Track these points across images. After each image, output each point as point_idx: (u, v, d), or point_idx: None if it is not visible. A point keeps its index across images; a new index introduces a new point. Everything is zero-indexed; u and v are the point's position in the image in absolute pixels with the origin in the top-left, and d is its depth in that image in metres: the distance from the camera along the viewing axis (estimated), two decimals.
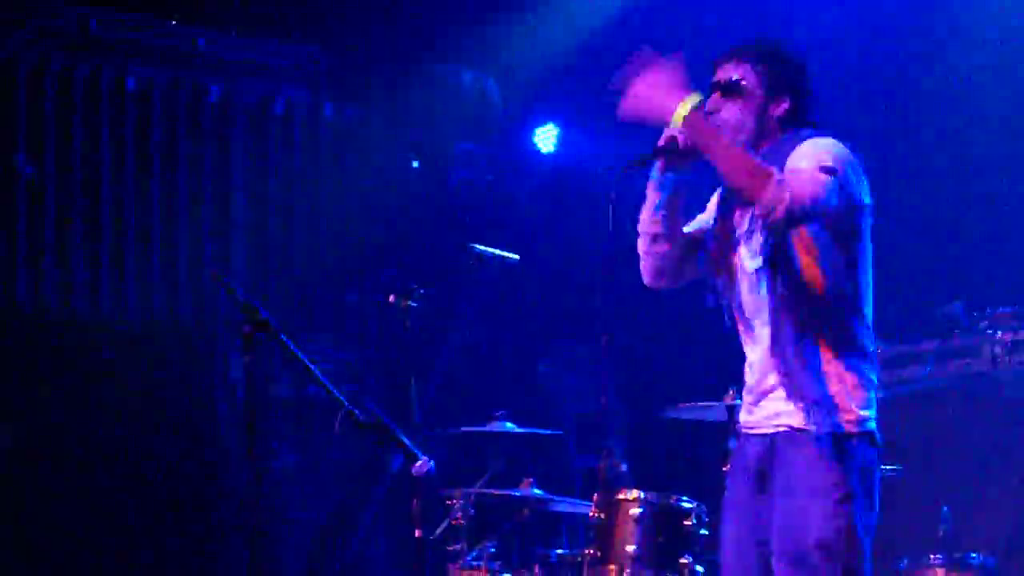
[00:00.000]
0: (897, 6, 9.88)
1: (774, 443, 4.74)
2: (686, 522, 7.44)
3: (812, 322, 4.69)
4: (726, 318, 5.02)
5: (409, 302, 7.89)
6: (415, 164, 10.94)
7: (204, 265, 9.81)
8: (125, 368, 9.27)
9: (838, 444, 4.64)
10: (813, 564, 4.56)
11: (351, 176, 10.56)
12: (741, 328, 4.96)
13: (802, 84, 4.88)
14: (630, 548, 7.36)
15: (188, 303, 9.83)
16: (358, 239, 10.52)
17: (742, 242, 4.86)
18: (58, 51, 9.52)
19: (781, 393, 4.74)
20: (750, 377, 4.90)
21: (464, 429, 8.49)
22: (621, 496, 7.51)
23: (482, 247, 8.07)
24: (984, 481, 7.73)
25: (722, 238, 4.94)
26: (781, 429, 4.73)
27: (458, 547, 7.70)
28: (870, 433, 4.72)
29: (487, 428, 8.20)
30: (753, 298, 4.83)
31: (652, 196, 4.96)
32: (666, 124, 4.77)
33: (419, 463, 5.36)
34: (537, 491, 7.98)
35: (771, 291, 4.74)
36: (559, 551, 8.09)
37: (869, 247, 4.80)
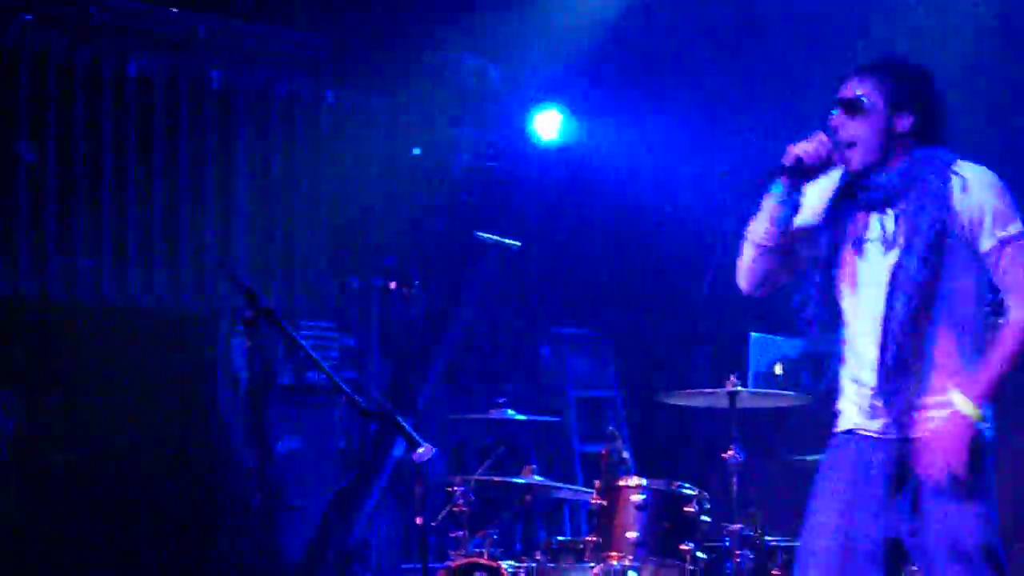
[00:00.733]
0: None
1: (913, 445, 4.75)
2: (687, 509, 7.44)
3: (963, 335, 4.78)
4: (811, 324, 5.09)
5: (411, 289, 7.89)
6: (417, 151, 10.93)
7: (206, 251, 9.80)
8: (127, 354, 9.26)
9: (979, 446, 4.71)
10: (978, 563, 4.67)
11: (353, 162, 10.56)
12: (854, 329, 4.95)
13: (928, 99, 4.88)
14: (632, 535, 7.37)
15: (190, 289, 9.81)
16: (360, 225, 10.52)
17: (871, 246, 4.86)
18: (60, 38, 9.51)
19: (920, 397, 4.77)
20: (870, 378, 4.85)
21: (466, 416, 8.49)
22: (623, 483, 7.51)
23: (484, 234, 8.07)
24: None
25: (837, 235, 4.94)
26: (922, 433, 4.75)
27: (460, 534, 7.69)
28: (994, 437, 4.80)
29: (489, 415, 8.19)
30: (884, 306, 4.80)
31: (772, 210, 4.91)
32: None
33: (421, 450, 5.36)
34: (539, 478, 7.99)
35: (921, 306, 4.75)
36: (561, 538, 8.11)
37: None
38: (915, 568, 7.06)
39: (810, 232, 4.98)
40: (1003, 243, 4.69)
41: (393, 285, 7.92)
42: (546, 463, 9.03)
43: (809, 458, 7.85)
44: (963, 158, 4.81)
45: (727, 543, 7.41)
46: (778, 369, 9.84)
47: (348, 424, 9.94)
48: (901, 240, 4.75)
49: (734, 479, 7.41)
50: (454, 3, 10.39)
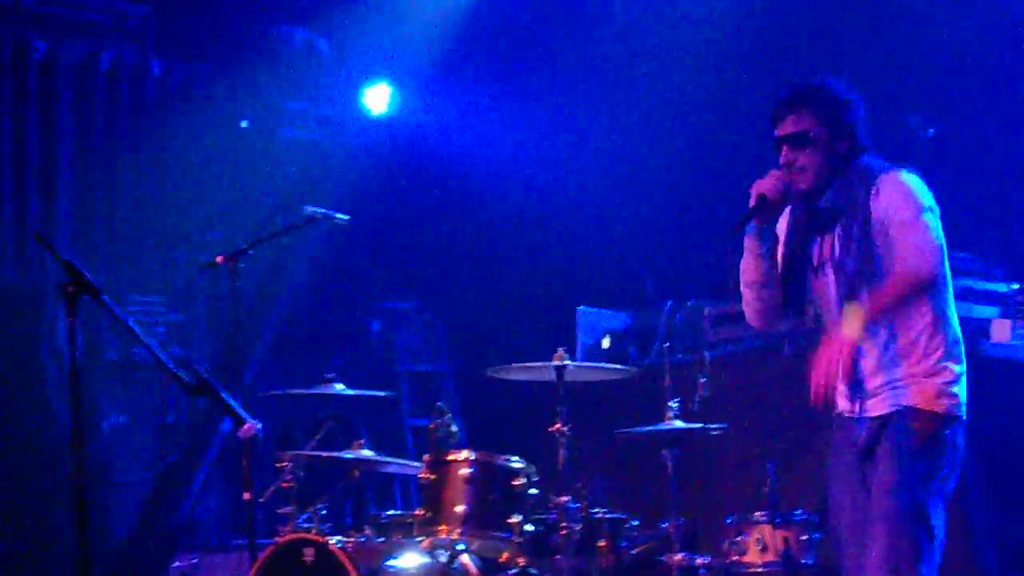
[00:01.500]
0: None
1: (879, 424, 5.25)
2: (515, 482, 7.48)
3: (910, 323, 5.20)
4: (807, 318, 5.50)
5: (238, 263, 7.82)
6: (244, 123, 10.84)
7: (28, 224, 9.63)
8: None
9: (940, 423, 5.20)
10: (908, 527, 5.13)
11: (179, 134, 10.44)
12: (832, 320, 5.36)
13: (855, 117, 5.38)
14: (460, 508, 7.39)
15: (13, 262, 9.64)
16: (186, 199, 10.40)
17: (829, 268, 5.34)
18: None
19: (887, 387, 5.23)
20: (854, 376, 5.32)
21: (295, 391, 8.44)
22: (451, 457, 7.53)
23: (312, 207, 8.01)
24: (808, 439, 7.86)
25: (800, 241, 5.40)
26: (883, 412, 5.25)
27: (288, 509, 7.65)
28: (959, 417, 5.26)
29: (318, 390, 8.15)
30: (858, 297, 5.23)
31: (755, 247, 5.35)
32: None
33: (246, 426, 5.32)
34: (368, 452, 7.96)
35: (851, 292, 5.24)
36: (390, 512, 8.09)
37: (945, 246, 5.27)
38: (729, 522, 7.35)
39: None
40: (896, 227, 5.14)
41: (220, 259, 7.81)
42: (376, 438, 9.00)
43: (635, 431, 7.94)
44: (888, 162, 5.31)
45: (554, 516, 7.46)
46: (605, 343, 9.92)
47: (175, 400, 9.84)
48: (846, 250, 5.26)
49: (562, 452, 7.45)
50: None
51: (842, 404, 5.40)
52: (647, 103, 10.97)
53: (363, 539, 7.57)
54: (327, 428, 8.14)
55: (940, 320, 5.21)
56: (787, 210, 5.42)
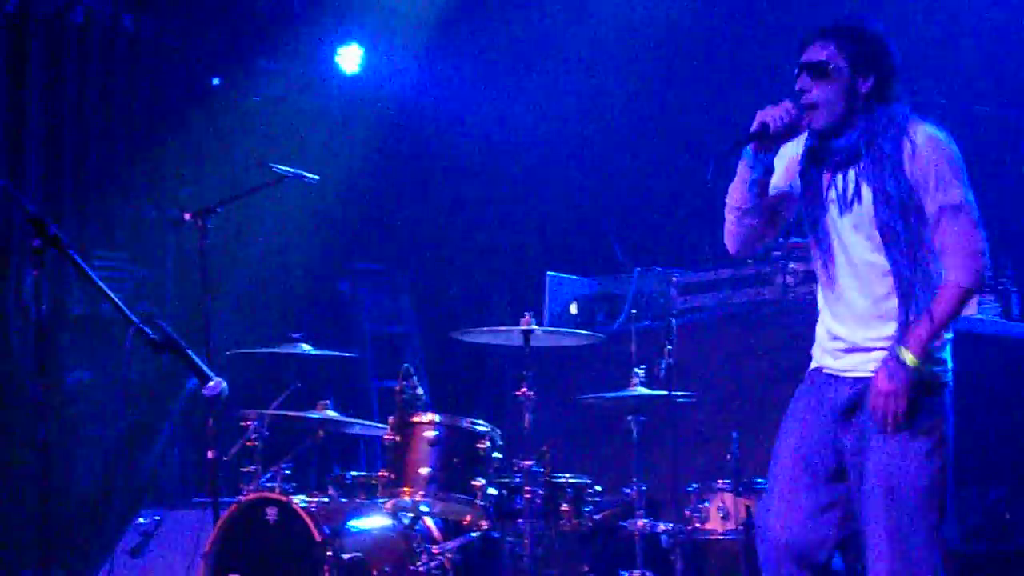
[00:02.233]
0: None
1: (867, 386, 5.12)
2: (480, 445, 7.49)
3: (914, 281, 5.08)
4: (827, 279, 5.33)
5: (205, 220, 7.80)
6: (215, 80, 10.80)
7: None
8: None
9: (927, 388, 5.09)
10: (912, 505, 5.03)
11: (149, 90, 10.39)
12: (828, 282, 5.30)
13: (886, 60, 5.21)
14: (424, 471, 7.40)
15: None
16: (156, 155, 10.36)
17: (837, 207, 5.20)
18: None
19: (881, 343, 5.11)
20: (839, 328, 5.24)
21: (260, 350, 8.43)
22: (416, 419, 7.54)
23: (281, 166, 8.00)
24: (772, 408, 7.90)
25: (812, 202, 5.27)
26: (871, 375, 5.12)
27: (252, 468, 7.66)
28: (948, 383, 5.18)
29: (284, 349, 8.15)
30: (851, 258, 5.19)
31: (745, 174, 5.22)
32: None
33: (211, 383, 5.31)
34: (332, 413, 7.97)
35: (888, 253, 5.11)
36: (354, 473, 8.11)
37: None
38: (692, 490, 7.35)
39: (786, 196, 5.34)
40: (942, 209, 5.03)
41: (188, 216, 7.80)
42: (342, 399, 8.99)
43: (601, 396, 7.96)
44: (916, 115, 5.15)
45: (518, 479, 7.49)
46: (573, 308, 9.93)
47: (141, 356, 9.81)
48: (865, 195, 5.10)
49: (527, 416, 7.46)
50: None
51: (822, 358, 5.31)
52: (618, 66, 10.97)
53: (326, 499, 7.58)
54: (292, 388, 8.15)
55: (930, 283, 5.09)
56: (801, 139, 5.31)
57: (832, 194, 5.19)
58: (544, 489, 7.52)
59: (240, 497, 7.46)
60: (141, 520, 8.30)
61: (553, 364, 8.86)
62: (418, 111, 11.54)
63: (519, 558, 7.48)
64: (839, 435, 5.17)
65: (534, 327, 7.56)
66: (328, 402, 7.98)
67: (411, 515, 7.49)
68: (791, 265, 8.81)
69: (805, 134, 5.23)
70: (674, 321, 7.76)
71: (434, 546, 7.52)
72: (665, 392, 7.58)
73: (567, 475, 7.78)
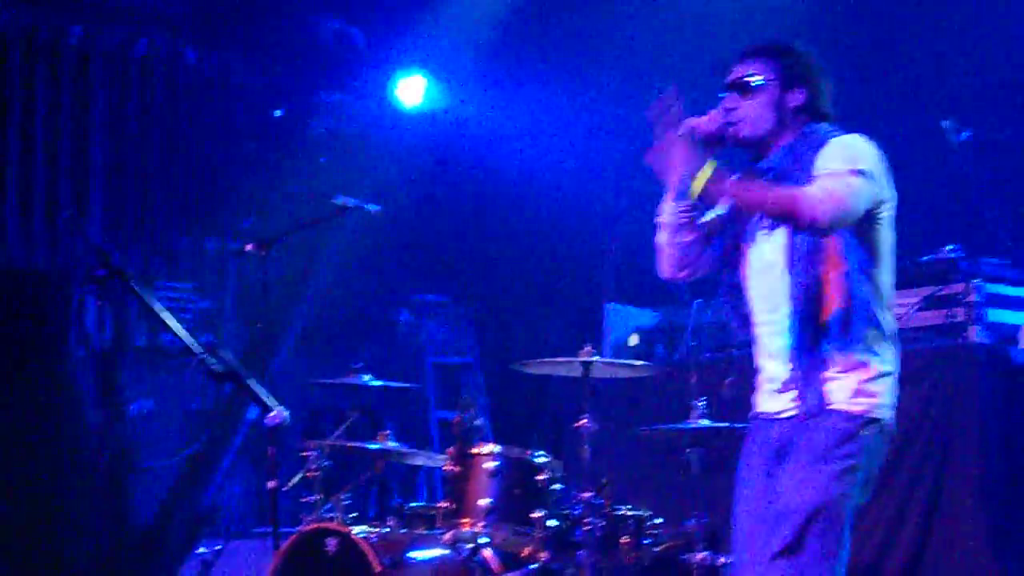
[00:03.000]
0: None
1: (793, 424, 4.94)
2: (539, 477, 7.48)
3: (833, 311, 4.85)
4: (734, 318, 5.22)
5: (268, 252, 7.84)
6: (277, 112, 10.86)
7: (60, 209, 9.66)
8: None
9: (850, 424, 4.84)
10: (794, 525, 4.79)
11: (211, 122, 10.46)
12: (755, 318, 5.12)
13: (816, 75, 5.10)
14: (484, 502, 7.39)
15: (44, 247, 9.67)
16: (218, 187, 10.42)
17: (760, 234, 5.06)
18: None
19: (811, 376, 4.91)
20: (770, 365, 5.08)
21: (322, 380, 8.45)
22: (476, 450, 7.54)
23: (344, 197, 8.03)
24: None
25: (738, 229, 5.13)
26: (797, 412, 4.93)
27: (313, 499, 7.68)
28: (880, 419, 4.91)
29: (345, 380, 8.17)
30: (773, 289, 4.99)
31: (673, 184, 5.10)
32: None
33: (272, 413, 5.34)
34: (393, 443, 7.97)
35: (795, 283, 4.90)
36: (414, 503, 8.11)
37: (891, 237, 4.99)
38: None
39: (726, 221, 5.17)
40: (822, 172, 4.82)
41: (250, 247, 7.84)
42: (402, 429, 9.02)
43: (661, 428, 7.93)
44: (848, 130, 4.98)
45: (577, 511, 7.45)
46: (633, 340, 9.90)
47: (202, 386, 9.87)
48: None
49: (586, 448, 7.44)
50: None
51: (759, 403, 5.14)
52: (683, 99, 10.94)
53: (386, 530, 7.57)
54: (353, 418, 8.17)
55: (859, 310, 4.85)
56: None
57: (756, 221, 5.07)
58: (604, 521, 7.49)
59: (300, 527, 7.47)
60: (202, 550, 8.34)
61: (613, 395, 8.83)
62: (479, 142, 11.56)
63: None
64: (774, 474, 4.97)
65: (594, 358, 7.54)
66: (389, 433, 7.99)
67: (470, 546, 7.47)
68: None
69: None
70: (735, 353, 7.72)
71: None
72: (726, 424, 7.54)
73: (627, 507, 7.74)
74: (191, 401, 9.79)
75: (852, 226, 4.82)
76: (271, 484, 7.45)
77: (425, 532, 7.66)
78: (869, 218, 4.87)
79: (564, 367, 7.76)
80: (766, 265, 5.01)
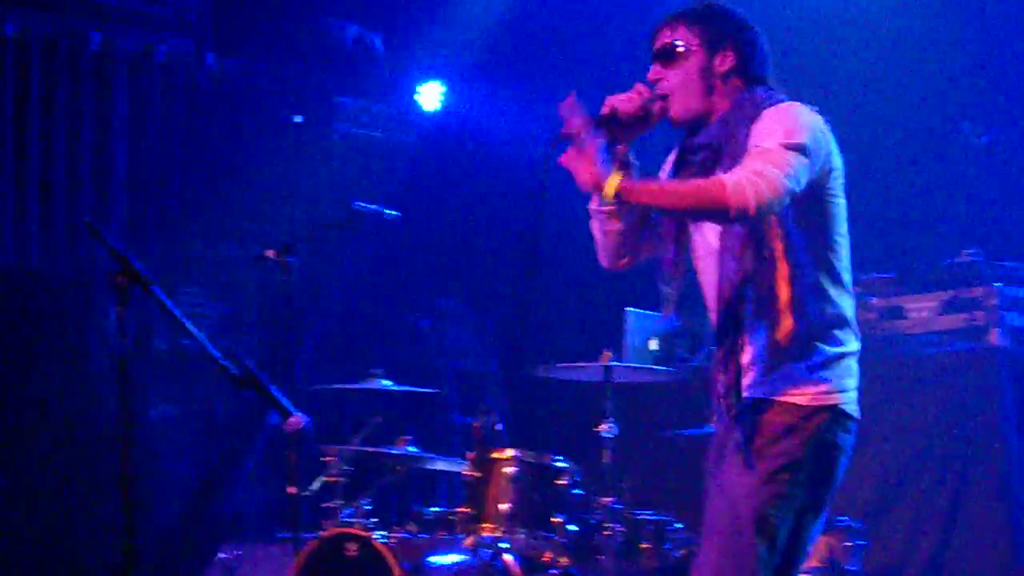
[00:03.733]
0: None
1: (726, 423, 4.57)
2: (559, 481, 7.48)
3: (782, 294, 4.49)
4: (670, 307, 4.84)
5: (288, 257, 7.84)
6: (298, 118, 10.88)
7: (81, 214, 9.69)
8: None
9: (798, 415, 4.46)
10: (745, 535, 4.44)
11: (232, 128, 10.48)
12: (707, 303, 4.74)
13: (744, 35, 4.69)
14: (504, 507, 7.40)
15: (64, 252, 9.70)
16: (238, 192, 10.44)
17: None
18: None
19: (749, 367, 4.54)
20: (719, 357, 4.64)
21: (342, 386, 8.46)
22: (496, 455, 7.54)
23: (363, 203, 8.03)
24: (857, 446, 7.84)
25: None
26: (729, 410, 4.53)
27: (333, 504, 7.69)
28: (833, 406, 4.50)
29: (365, 385, 8.18)
30: (716, 274, 4.61)
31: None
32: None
33: (293, 419, 5.33)
34: (413, 449, 7.99)
35: (738, 268, 4.51)
36: (434, 509, 8.11)
37: (841, 207, 4.59)
38: None
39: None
40: (753, 150, 4.40)
41: (270, 253, 7.84)
42: (422, 435, 9.01)
43: (681, 433, 7.93)
44: (786, 96, 4.62)
45: (598, 516, 7.46)
46: (653, 344, 9.90)
47: (223, 392, 9.88)
48: None
49: (607, 453, 7.44)
50: None
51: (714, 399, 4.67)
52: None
53: (406, 535, 7.59)
54: (373, 424, 8.17)
55: (805, 293, 4.46)
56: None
57: None
58: (624, 526, 7.49)
59: (321, 532, 7.48)
60: (223, 555, 8.34)
61: (633, 400, 8.83)
62: (498, 148, 11.56)
63: None
64: (716, 476, 4.63)
65: (614, 363, 7.54)
66: (409, 438, 8.00)
67: (491, 551, 7.47)
68: (872, 300, 8.70)
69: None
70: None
71: None
72: None
73: (648, 512, 7.74)
74: (212, 406, 9.80)
75: (796, 204, 4.39)
76: (292, 490, 7.48)
77: (445, 537, 7.67)
78: (815, 192, 4.46)
79: (584, 372, 7.76)
80: (709, 251, 4.66)
